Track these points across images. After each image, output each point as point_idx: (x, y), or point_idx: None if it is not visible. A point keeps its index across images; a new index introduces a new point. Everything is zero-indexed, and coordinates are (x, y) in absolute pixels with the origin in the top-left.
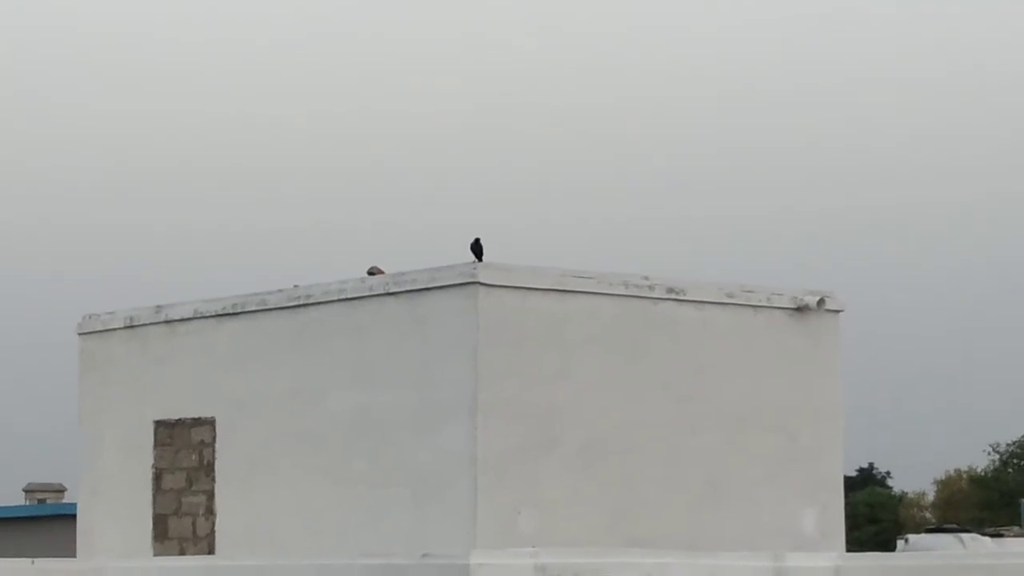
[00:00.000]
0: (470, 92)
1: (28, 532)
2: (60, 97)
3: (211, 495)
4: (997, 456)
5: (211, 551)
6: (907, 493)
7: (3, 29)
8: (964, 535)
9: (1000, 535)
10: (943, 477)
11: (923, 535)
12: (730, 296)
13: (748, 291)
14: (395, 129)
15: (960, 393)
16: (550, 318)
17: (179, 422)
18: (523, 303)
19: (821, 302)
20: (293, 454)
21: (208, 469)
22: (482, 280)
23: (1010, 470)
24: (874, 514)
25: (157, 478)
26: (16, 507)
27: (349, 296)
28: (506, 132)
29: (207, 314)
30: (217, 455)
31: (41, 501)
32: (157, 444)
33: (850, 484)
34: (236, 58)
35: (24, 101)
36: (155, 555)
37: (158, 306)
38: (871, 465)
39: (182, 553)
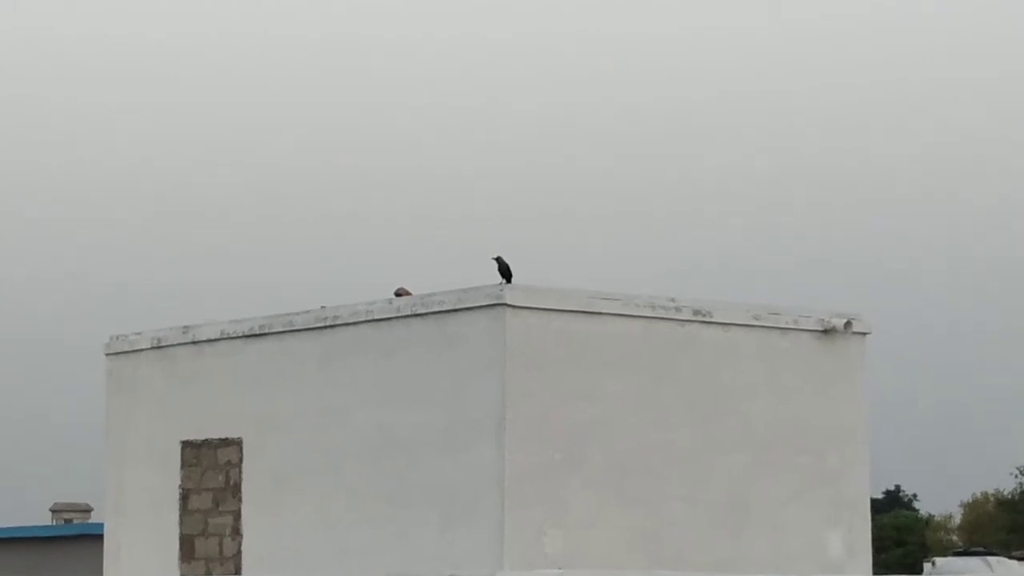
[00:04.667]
0: (503, 110)
1: (55, 552)
2: (86, 111)
3: (238, 515)
4: None
5: (238, 572)
6: (934, 516)
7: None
8: (991, 558)
9: None
10: (970, 500)
11: (950, 558)
12: (756, 318)
13: (774, 313)
14: (424, 149)
15: (987, 416)
16: (577, 339)
17: (206, 442)
18: (550, 324)
19: (848, 324)
20: (320, 474)
21: (235, 490)
22: (509, 302)
23: None
24: (901, 537)
25: (184, 498)
26: (43, 527)
27: (376, 317)
28: (533, 153)
29: (234, 335)
30: (244, 476)
31: (67, 521)
32: (184, 464)
33: (877, 507)
34: (257, 74)
35: (51, 113)
36: None
37: (185, 326)
38: (898, 487)
39: (208, 574)
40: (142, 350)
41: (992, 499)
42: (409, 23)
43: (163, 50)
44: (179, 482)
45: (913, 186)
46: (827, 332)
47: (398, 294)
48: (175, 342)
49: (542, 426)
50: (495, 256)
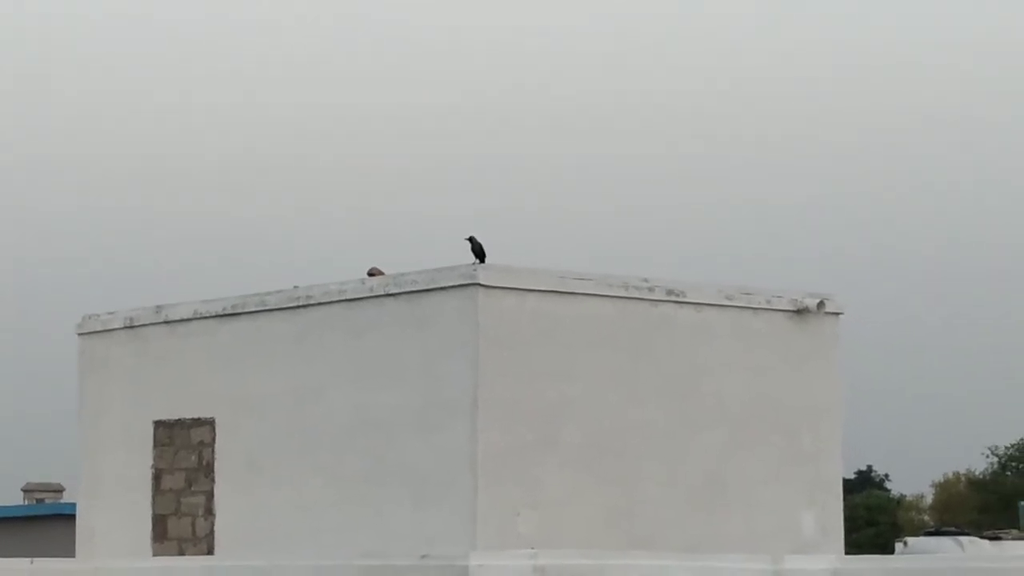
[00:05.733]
0: (472, 89)
1: (26, 532)
2: (64, 92)
3: (210, 495)
4: (995, 459)
5: (210, 551)
6: (905, 496)
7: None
8: (963, 538)
9: (998, 538)
10: (941, 480)
11: (922, 538)
12: (729, 298)
13: (747, 293)
14: (397, 128)
15: (959, 396)
16: (550, 319)
17: (178, 422)
18: (523, 304)
19: (821, 305)
20: (293, 455)
21: (207, 469)
22: (482, 281)
23: (1008, 473)
24: (872, 516)
25: (156, 478)
26: (14, 507)
27: (349, 297)
28: (506, 131)
29: (207, 314)
30: (216, 455)
31: (39, 501)
32: (156, 444)
33: (849, 486)
34: (235, 54)
35: (27, 94)
36: (154, 555)
37: (158, 306)
38: (870, 467)
39: (181, 553)
40: (114, 330)
41: (964, 479)
42: (396, 10)
43: (145, 30)
44: (152, 462)
45: (888, 167)
46: (800, 312)
47: (371, 274)
48: (148, 322)
49: (515, 406)
50: (468, 236)
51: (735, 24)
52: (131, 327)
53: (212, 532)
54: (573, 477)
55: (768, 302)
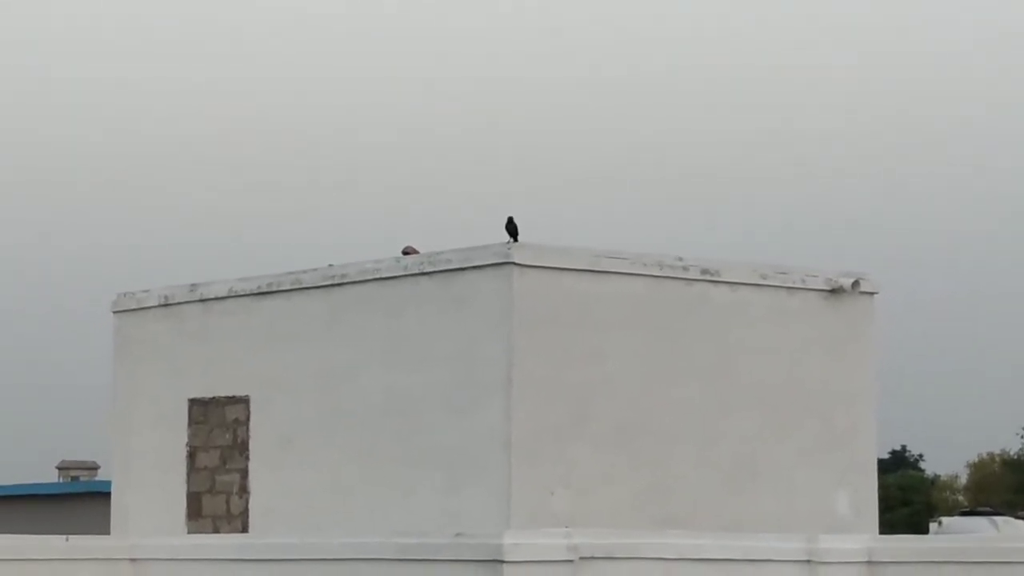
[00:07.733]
0: (506, 68)
1: (61, 509)
2: (98, 72)
3: (245, 473)
4: None
5: (244, 529)
6: (940, 476)
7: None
8: (997, 518)
9: None
10: (976, 460)
11: (956, 518)
12: (764, 277)
13: (782, 272)
14: (428, 108)
15: (993, 376)
16: (584, 299)
17: (213, 400)
18: (557, 283)
19: (856, 284)
20: (327, 433)
21: (242, 447)
22: (516, 260)
23: None
24: (906, 496)
25: (191, 456)
26: (49, 484)
27: (384, 276)
28: (541, 109)
29: (242, 293)
30: (251, 434)
31: (74, 478)
32: (191, 422)
33: (883, 466)
34: (268, 29)
35: (54, 75)
36: (188, 533)
37: (193, 284)
38: (904, 447)
39: (215, 531)
40: (150, 308)
41: (998, 459)
42: None
43: (171, 21)
44: (186, 440)
45: (925, 144)
46: (835, 292)
47: (406, 252)
48: (183, 300)
49: (549, 386)
50: (509, 216)
51: (774, 5)
52: (166, 305)
53: (247, 510)
54: (607, 457)
55: (803, 281)
